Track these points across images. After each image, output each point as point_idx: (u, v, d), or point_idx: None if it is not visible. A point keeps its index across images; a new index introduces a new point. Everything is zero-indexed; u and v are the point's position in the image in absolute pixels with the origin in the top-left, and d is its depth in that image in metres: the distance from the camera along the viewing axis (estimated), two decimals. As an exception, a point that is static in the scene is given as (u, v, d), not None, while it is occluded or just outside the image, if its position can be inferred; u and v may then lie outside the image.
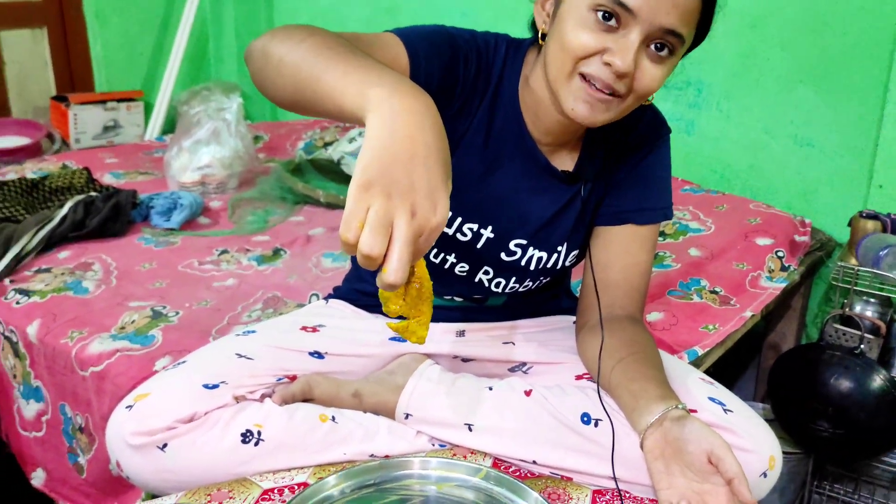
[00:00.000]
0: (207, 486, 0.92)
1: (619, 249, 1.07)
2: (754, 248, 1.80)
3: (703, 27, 0.92)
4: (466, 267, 1.07)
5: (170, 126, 2.73)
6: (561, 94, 0.92)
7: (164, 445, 0.92)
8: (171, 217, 1.94)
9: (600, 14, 0.86)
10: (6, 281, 1.61)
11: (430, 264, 1.08)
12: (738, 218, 1.95)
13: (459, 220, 1.03)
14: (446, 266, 1.07)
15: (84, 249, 1.77)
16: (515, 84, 1.00)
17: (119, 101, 2.74)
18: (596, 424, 0.96)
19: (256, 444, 0.94)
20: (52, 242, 1.76)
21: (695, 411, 0.93)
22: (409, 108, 0.65)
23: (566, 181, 1.05)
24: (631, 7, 0.85)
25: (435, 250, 1.06)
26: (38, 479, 1.56)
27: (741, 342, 1.60)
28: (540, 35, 0.96)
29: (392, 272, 0.62)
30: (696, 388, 0.99)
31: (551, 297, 1.21)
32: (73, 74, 2.86)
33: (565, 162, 1.05)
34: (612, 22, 0.87)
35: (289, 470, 0.96)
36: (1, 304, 1.54)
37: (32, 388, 1.50)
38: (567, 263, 1.10)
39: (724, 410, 0.95)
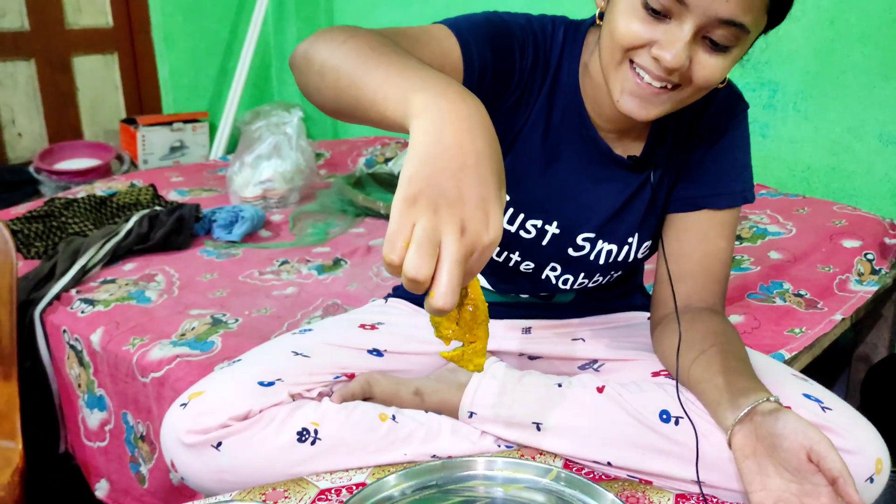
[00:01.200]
0: (262, 486, 0.88)
1: (695, 237, 0.99)
2: (841, 251, 1.69)
3: (779, 8, 0.82)
4: (532, 265, 1.01)
5: (233, 146, 2.77)
6: (610, 83, 0.87)
7: (219, 444, 0.88)
8: (232, 230, 1.94)
9: (648, 9, 0.80)
10: (73, 291, 1.62)
11: (492, 262, 1.02)
12: (821, 220, 1.83)
13: (522, 216, 0.97)
14: (510, 264, 1.02)
15: (148, 262, 1.78)
16: (575, 70, 0.95)
17: (185, 122, 2.80)
18: (677, 422, 0.88)
19: (313, 443, 0.90)
20: (117, 255, 1.78)
21: (788, 408, 0.84)
22: (457, 113, 0.59)
23: (633, 168, 0.98)
24: None
25: (497, 249, 1.00)
26: (101, 490, 1.55)
27: (827, 353, 1.48)
28: (598, 14, 0.91)
29: (441, 296, 0.55)
30: (789, 383, 0.90)
31: (622, 293, 1.14)
32: (142, 97, 2.94)
33: (631, 148, 0.99)
34: (661, 13, 0.79)
35: (346, 470, 0.91)
36: (67, 314, 1.55)
37: (96, 397, 1.50)
38: (639, 256, 1.03)
39: (822, 408, 0.86)
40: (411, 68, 0.65)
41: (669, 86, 0.83)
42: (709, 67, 0.82)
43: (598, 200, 0.99)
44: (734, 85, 1.00)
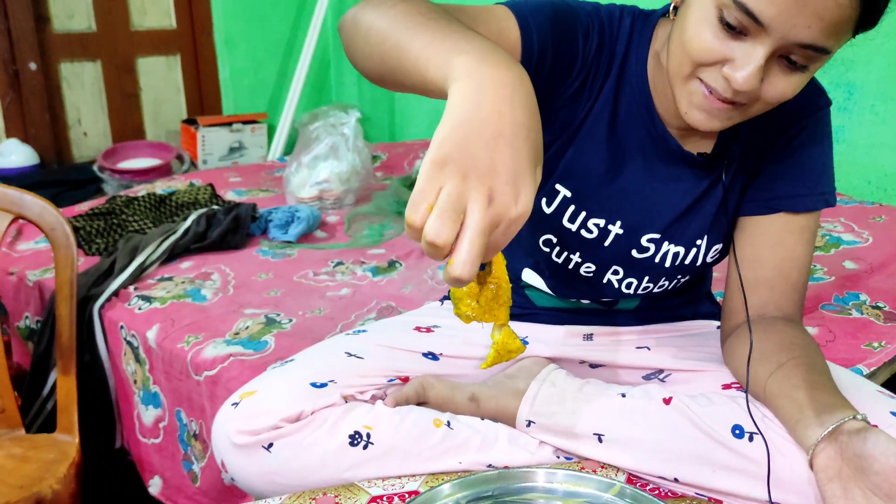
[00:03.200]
0: (313, 491, 0.85)
1: (771, 242, 0.93)
2: (922, 261, 1.59)
3: (866, 23, 0.74)
4: (593, 267, 0.97)
5: (291, 148, 2.79)
6: (677, 94, 0.82)
7: (270, 445, 0.86)
8: (288, 230, 1.94)
9: (723, 23, 0.74)
10: (130, 288, 1.64)
11: (551, 264, 0.98)
12: (899, 229, 1.74)
13: (584, 214, 0.93)
14: (570, 266, 0.97)
15: (205, 260, 1.79)
16: (643, 61, 0.90)
17: (244, 123, 2.82)
18: (751, 438, 0.82)
19: (365, 447, 0.87)
20: (175, 253, 1.79)
21: (875, 427, 0.78)
22: (498, 79, 0.56)
23: (703, 166, 0.93)
24: (762, 20, 0.71)
25: (557, 249, 0.96)
26: (154, 486, 1.56)
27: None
28: (672, 8, 0.86)
29: (459, 264, 0.53)
30: (875, 400, 0.83)
31: (689, 301, 1.08)
32: (203, 98, 2.98)
33: (701, 145, 0.93)
34: (737, 29, 0.74)
35: (399, 477, 0.87)
36: (124, 310, 1.56)
37: (151, 394, 1.50)
38: (708, 260, 0.97)
39: (913, 428, 0.79)
40: (458, 32, 0.62)
41: (739, 101, 0.79)
42: (781, 86, 0.77)
43: (666, 200, 0.94)
44: (815, 81, 0.93)
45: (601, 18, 0.89)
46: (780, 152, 0.93)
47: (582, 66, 0.88)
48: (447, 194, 0.53)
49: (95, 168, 2.60)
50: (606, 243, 0.94)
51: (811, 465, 0.75)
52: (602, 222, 0.93)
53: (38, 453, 1.33)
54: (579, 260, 0.97)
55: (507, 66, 0.57)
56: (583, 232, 0.94)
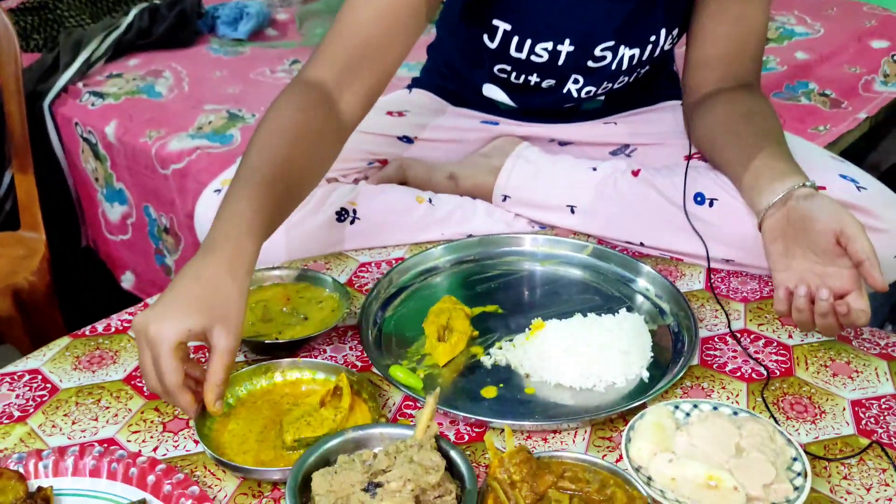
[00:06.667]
0: (304, 258, 0.90)
1: (730, 17, 0.93)
2: (868, 52, 1.65)
3: None
4: (553, 82, 0.97)
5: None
6: None
7: (256, 226, 0.89)
8: (237, 27, 1.86)
9: None
10: (80, 84, 1.58)
11: (510, 84, 1.00)
12: (849, 21, 1.78)
13: (529, 42, 0.92)
14: (531, 84, 0.98)
15: (153, 58, 1.72)
16: None
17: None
18: (711, 204, 0.88)
19: (352, 222, 0.91)
20: (119, 50, 1.72)
21: (823, 188, 0.84)
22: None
23: None
24: None
25: (514, 74, 0.97)
26: (127, 281, 1.60)
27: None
28: None
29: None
30: (824, 164, 0.89)
31: (653, 86, 1.10)
32: None
33: None
34: None
35: (384, 247, 0.92)
36: (77, 106, 1.52)
37: (115, 191, 1.50)
38: (666, 47, 0.98)
39: (858, 188, 0.86)
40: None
41: None
42: None
43: (612, 4, 0.91)
44: None
45: None
46: None
47: None
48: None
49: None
50: (560, 62, 0.94)
51: (760, 228, 0.80)
52: (550, 45, 0.93)
53: (5, 250, 1.34)
54: (538, 79, 0.97)
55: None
56: (532, 58, 0.94)
